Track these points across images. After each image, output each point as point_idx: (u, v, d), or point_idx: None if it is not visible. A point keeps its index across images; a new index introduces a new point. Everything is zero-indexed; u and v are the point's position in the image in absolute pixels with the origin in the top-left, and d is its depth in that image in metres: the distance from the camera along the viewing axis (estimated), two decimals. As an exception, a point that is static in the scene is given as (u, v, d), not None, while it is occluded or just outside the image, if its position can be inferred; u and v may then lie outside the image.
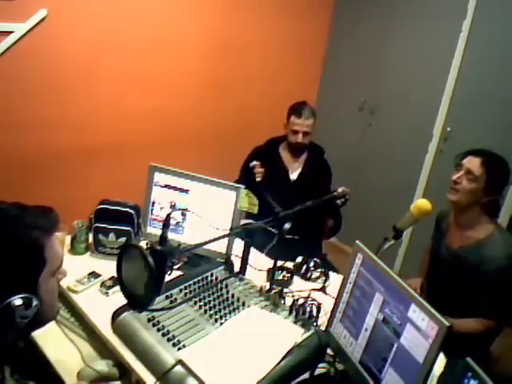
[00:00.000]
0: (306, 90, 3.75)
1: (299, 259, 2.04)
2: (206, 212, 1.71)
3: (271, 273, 1.71)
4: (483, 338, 1.94)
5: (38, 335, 1.48)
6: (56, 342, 1.53)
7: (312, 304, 1.61)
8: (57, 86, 2.58)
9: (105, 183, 2.81)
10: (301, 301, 1.61)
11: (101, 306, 1.60)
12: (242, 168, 2.63)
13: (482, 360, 1.11)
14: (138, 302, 1.21)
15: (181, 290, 1.61)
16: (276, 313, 1.56)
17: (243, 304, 1.58)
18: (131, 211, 1.91)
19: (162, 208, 1.93)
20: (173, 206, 1.91)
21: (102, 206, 1.90)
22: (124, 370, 1.41)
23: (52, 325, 1.55)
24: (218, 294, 1.61)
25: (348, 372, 1.36)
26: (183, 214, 1.92)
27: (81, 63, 2.62)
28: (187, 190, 1.89)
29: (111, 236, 1.89)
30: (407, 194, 3.37)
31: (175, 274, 1.69)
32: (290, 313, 1.56)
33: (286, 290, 1.74)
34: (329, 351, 1.45)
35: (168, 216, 1.30)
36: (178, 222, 1.93)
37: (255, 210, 1.85)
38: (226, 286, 1.65)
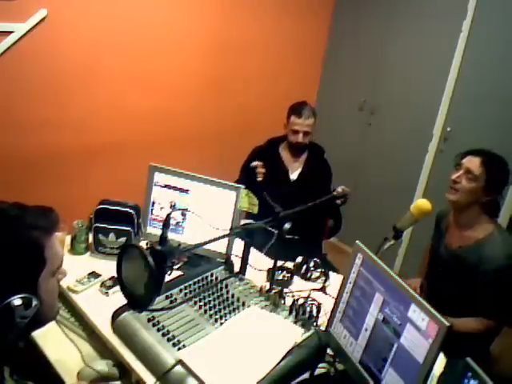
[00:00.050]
0: (306, 90, 3.76)
1: (299, 259, 2.04)
2: (206, 212, 1.71)
3: (271, 273, 1.71)
4: (483, 338, 1.94)
5: (38, 335, 1.48)
6: (56, 342, 1.53)
7: (312, 304, 1.61)
8: (57, 86, 2.58)
9: (105, 183, 2.81)
10: (301, 301, 1.61)
11: (101, 305, 1.60)
12: (242, 168, 2.63)
13: (481, 360, 1.11)
14: (138, 302, 1.21)
15: (181, 290, 1.61)
16: (276, 313, 1.56)
17: (243, 304, 1.58)
18: (131, 211, 1.91)
19: (162, 208, 1.93)
20: (173, 206, 1.91)
21: (101, 206, 1.90)
22: (124, 369, 1.41)
23: (52, 325, 1.55)
24: (218, 293, 1.61)
25: (348, 372, 1.36)
26: (183, 214, 1.92)
27: (81, 63, 2.62)
28: (187, 190, 1.89)
29: (111, 236, 1.89)
30: (407, 194, 3.37)
31: (175, 273, 1.69)
32: (290, 313, 1.56)
33: (286, 290, 1.74)
34: (329, 351, 1.45)
35: (168, 216, 1.30)
36: (178, 222, 1.93)
37: (255, 210, 1.85)
38: (226, 286, 1.65)
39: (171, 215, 1.34)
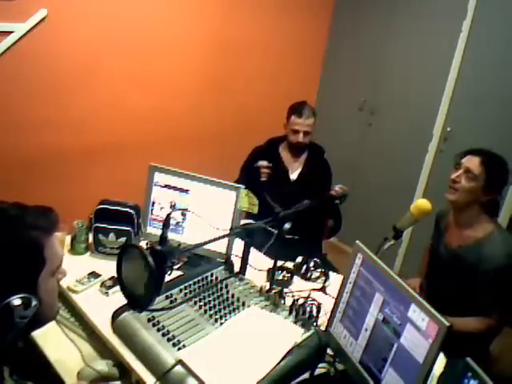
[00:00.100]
0: (306, 90, 3.75)
1: (299, 259, 2.04)
2: (206, 212, 1.71)
3: (271, 273, 1.71)
4: (483, 338, 1.94)
5: (38, 335, 1.48)
6: (56, 342, 1.53)
7: (312, 304, 1.61)
8: (57, 86, 2.58)
9: (105, 183, 2.81)
10: (301, 301, 1.61)
11: (101, 305, 1.60)
12: (242, 168, 2.63)
13: (481, 360, 1.11)
14: (138, 302, 1.21)
15: (181, 290, 1.61)
16: (276, 313, 1.56)
17: (243, 304, 1.58)
18: (131, 211, 1.91)
19: (162, 208, 1.93)
20: (173, 206, 1.91)
21: (101, 206, 1.90)
22: (124, 369, 1.41)
23: (52, 325, 1.55)
24: (218, 293, 1.61)
25: (348, 372, 1.36)
26: (183, 214, 1.92)
27: (81, 63, 2.62)
28: (187, 190, 1.89)
29: (111, 236, 1.89)
30: (407, 194, 3.37)
31: (175, 273, 1.69)
32: (290, 313, 1.56)
33: (286, 290, 1.74)
34: (329, 351, 1.45)
35: (168, 216, 1.30)
36: (178, 222, 1.93)
37: (255, 210, 1.85)
38: (226, 286, 1.65)
39: (171, 215, 1.34)
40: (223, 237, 1.45)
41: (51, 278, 1.02)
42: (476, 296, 1.83)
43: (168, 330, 1.42)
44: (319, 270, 2.00)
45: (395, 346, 1.18)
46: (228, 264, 1.78)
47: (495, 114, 2.94)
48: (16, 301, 0.93)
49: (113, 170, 2.93)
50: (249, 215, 2.03)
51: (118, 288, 1.53)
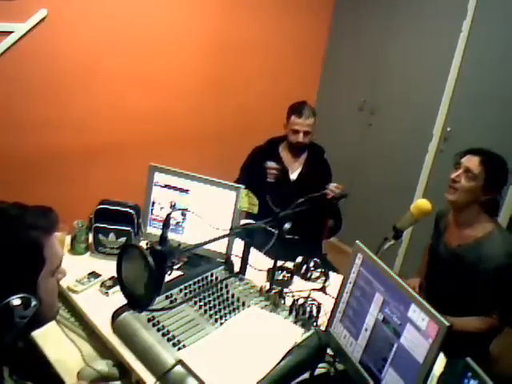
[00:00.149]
0: (306, 90, 3.75)
1: (299, 259, 2.04)
2: (206, 212, 1.71)
3: (271, 273, 1.71)
4: (483, 338, 1.94)
5: (38, 335, 1.48)
6: (56, 342, 1.53)
7: (312, 304, 1.61)
8: (57, 86, 2.58)
9: (105, 183, 2.81)
10: (301, 301, 1.61)
11: (101, 305, 1.60)
12: (242, 168, 2.63)
13: (481, 360, 1.11)
14: (138, 302, 1.21)
15: (181, 290, 1.61)
16: (276, 313, 1.56)
17: (243, 304, 1.58)
18: (131, 211, 1.90)
19: (162, 208, 1.93)
20: (173, 206, 1.91)
21: (101, 206, 1.90)
22: (124, 370, 1.41)
23: (52, 325, 1.55)
24: (218, 293, 1.61)
25: (348, 372, 1.36)
26: (183, 214, 1.92)
27: (81, 63, 2.62)
28: (187, 190, 1.89)
29: (111, 236, 1.89)
30: (407, 194, 3.37)
31: (175, 273, 1.69)
32: (290, 313, 1.56)
33: (286, 290, 1.74)
34: (329, 351, 1.45)
35: (168, 216, 1.30)
36: (178, 222, 1.93)
37: (255, 210, 1.85)
38: (226, 286, 1.65)
39: (171, 215, 1.33)
40: (223, 237, 1.45)
41: (51, 277, 1.02)
42: (476, 295, 1.83)
43: (168, 330, 1.42)
44: (319, 269, 2.00)
45: (395, 345, 1.18)
46: (228, 264, 1.78)
47: (495, 114, 2.94)
48: (16, 301, 0.93)
49: (113, 170, 2.93)
50: (249, 215, 2.03)
51: (118, 288, 1.53)
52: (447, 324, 1.05)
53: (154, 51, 2.89)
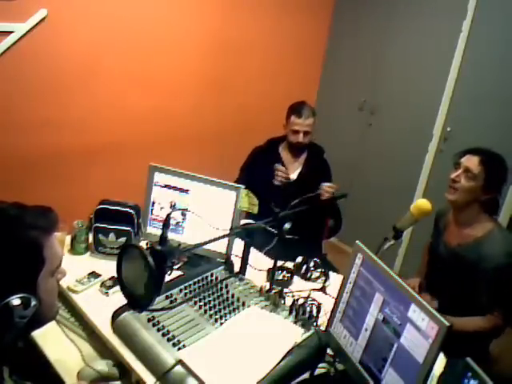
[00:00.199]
0: (306, 90, 3.75)
1: (299, 259, 2.04)
2: (206, 212, 1.71)
3: (271, 273, 1.71)
4: (483, 338, 1.94)
5: (38, 335, 1.48)
6: (56, 342, 1.53)
7: (312, 304, 1.61)
8: (57, 86, 2.58)
9: (105, 183, 2.81)
10: (301, 301, 1.61)
11: (101, 305, 1.60)
12: (242, 168, 2.63)
13: (481, 360, 1.11)
14: (138, 302, 1.21)
15: (181, 290, 1.61)
16: (276, 313, 1.56)
17: (243, 304, 1.58)
18: (131, 211, 1.90)
19: (162, 208, 1.93)
20: (173, 206, 1.91)
21: (102, 206, 1.90)
22: (124, 370, 1.41)
23: (52, 325, 1.55)
24: (218, 293, 1.61)
25: (348, 372, 1.36)
26: (183, 214, 1.92)
27: (81, 63, 2.62)
28: (187, 190, 1.89)
29: (111, 236, 1.89)
30: (407, 194, 3.37)
31: (175, 273, 1.69)
32: (290, 313, 1.56)
33: (286, 290, 1.74)
34: (329, 351, 1.45)
35: (168, 216, 1.30)
36: (178, 222, 1.93)
37: (255, 210, 1.85)
38: (226, 286, 1.65)
39: (171, 215, 1.34)
40: (223, 237, 1.45)
41: (51, 277, 1.02)
42: (476, 295, 1.83)
43: (168, 330, 1.42)
44: (319, 269, 2.00)
45: (395, 346, 1.18)
46: (228, 264, 1.78)
47: (495, 114, 2.94)
48: (15, 301, 0.93)
49: (113, 170, 2.93)
50: (249, 215, 2.03)
51: (118, 288, 1.53)
52: (447, 324, 1.05)
53: (154, 51, 2.89)
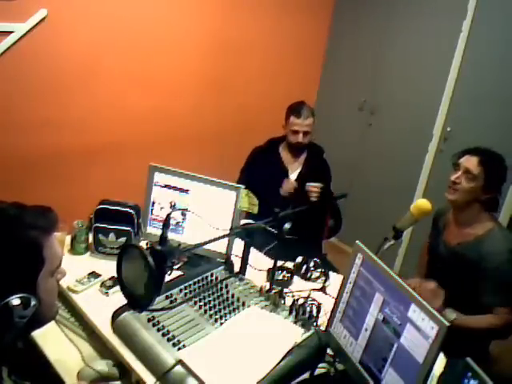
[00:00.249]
0: (306, 89, 3.75)
1: (299, 259, 2.04)
2: (206, 212, 1.71)
3: (271, 273, 1.71)
4: (483, 338, 1.93)
5: (38, 335, 1.48)
6: (56, 342, 1.53)
7: (312, 304, 1.61)
8: (57, 86, 2.58)
9: (105, 183, 2.81)
10: (301, 301, 1.61)
11: (101, 305, 1.60)
12: (242, 169, 2.63)
13: (481, 360, 1.11)
14: (138, 301, 1.21)
15: (181, 290, 1.61)
16: (276, 313, 1.56)
17: (243, 304, 1.58)
18: (131, 211, 1.90)
19: (162, 208, 1.93)
20: (173, 206, 1.91)
21: (102, 206, 1.90)
22: (124, 369, 1.41)
23: (52, 325, 1.55)
24: (218, 293, 1.61)
25: (348, 372, 1.36)
26: (183, 214, 1.92)
27: (81, 63, 2.62)
28: (187, 190, 1.89)
29: (111, 236, 1.89)
30: (407, 194, 3.37)
31: (175, 273, 1.69)
32: (290, 313, 1.56)
33: (286, 290, 1.74)
34: (329, 351, 1.45)
35: (168, 216, 1.30)
36: (178, 222, 1.93)
37: (255, 210, 1.85)
38: (226, 286, 1.65)
39: (171, 215, 1.33)
40: (223, 237, 1.45)
41: (50, 277, 1.02)
42: (478, 293, 1.83)
43: (168, 330, 1.42)
44: (319, 269, 2.00)
45: (395, 346, 1.18)
46: (228, 264, 1.78)
47: (495, 114, 2.94)
48: (15, 300, 0.93)
49: (113, 170, 2.93)
50: (249, 215, 2.03)
51: (118, 288, 1.53)
52: (447, 324, 1.05)
53: (154, 51, 2.89)
